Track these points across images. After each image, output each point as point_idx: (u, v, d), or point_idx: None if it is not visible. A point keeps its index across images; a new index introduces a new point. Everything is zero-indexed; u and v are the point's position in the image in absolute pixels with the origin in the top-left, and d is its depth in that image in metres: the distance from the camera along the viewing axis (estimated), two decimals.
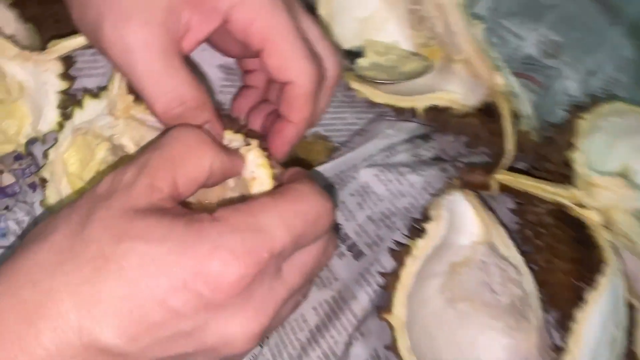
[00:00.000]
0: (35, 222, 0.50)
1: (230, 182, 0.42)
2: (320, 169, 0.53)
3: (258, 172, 0.40)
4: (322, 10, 0.55)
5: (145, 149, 0.36)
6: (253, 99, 0.51)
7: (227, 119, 0.43)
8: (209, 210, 0.34)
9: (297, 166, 0.54)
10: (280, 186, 0.38)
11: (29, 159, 0.51)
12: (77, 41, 0.48)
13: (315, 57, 0.43)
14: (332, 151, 0.57)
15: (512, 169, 0.50)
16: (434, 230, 0.47)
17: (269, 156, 0.41)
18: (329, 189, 0.44)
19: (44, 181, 0.48)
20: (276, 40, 0.41)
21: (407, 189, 0.54)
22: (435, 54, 0.55)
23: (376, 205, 0.54)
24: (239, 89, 0.54)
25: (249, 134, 0.42)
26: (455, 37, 0.51)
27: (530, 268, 0.46)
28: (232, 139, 0.41)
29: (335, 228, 0.53)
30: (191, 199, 0.44)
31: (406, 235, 0.50)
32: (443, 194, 0.49)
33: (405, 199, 0.54)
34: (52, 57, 0.48)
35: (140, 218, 0.32)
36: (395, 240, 0.50)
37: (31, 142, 0.51)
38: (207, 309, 0.31)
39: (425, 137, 0.57)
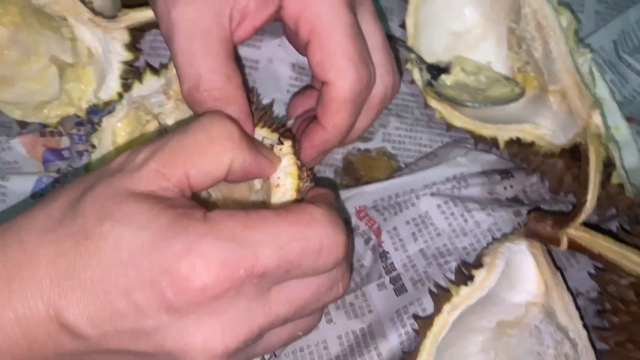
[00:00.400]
0: None
1: (257, 183, 0.39)
2: (375, 187, 0.48)
3: (284, 180, 0.36)
4: (410, 18, 0.51)
5: (173, 132, 0.34)
6: (310, 101, 0.47)
7: (266, 116, 0.40)
8: (228, 208, 0.31)
9: (354, 180, 0.51)
10: (300, 201, 0.34)
11: (89, 127, 0.51)
12: (146, 13, 0.47)
13: (364, 64, 0.38)
14: (396, 171, 0.52)
15: (595, 227, 0.42)
16: (483, 279, 0.40)
17: (302, 166, 0.37)
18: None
19: (92, 147, 0.47)
20: (322, 33, 0.36)
21: (470, 228, 0.48)
22: (529, 81, 0.48)
23: (432, 239, 0.48)
24: (301, 88, 0.50)
25: (285, 134, 0.38)
26: (554, 64, 0.44)
27: (594, 347, 0.38)
28: (265, 136, 0.38)
29: (382, 255, 0.48)
30: (217, 193, 0.42)
31: (450, 280, 0.44)
32: (505, 239, 0.42)
33: (467, 238, 0.48)
34: (121, 25, 0.48)
35: (132, 201, 0.29)
36: (437, 283, 0.44)
37: (94, 111, 0.51)
38: (169, 311, 0.28)
39: (504, 173, 0.50)
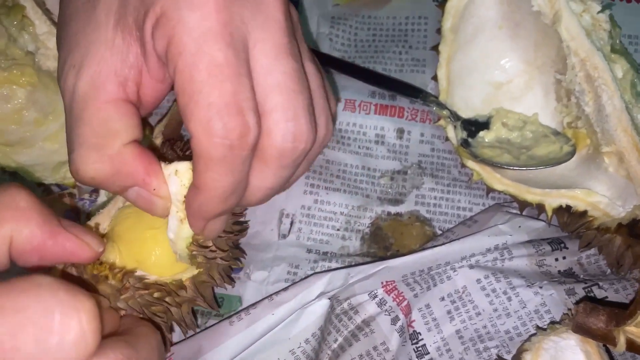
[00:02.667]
0: None
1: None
2: (405, 260, 0.43)
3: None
4: (442, 70, 0.46)
5: None
6: None
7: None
8: None
9: (382, 249, 0.45)
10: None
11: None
12: None
13: (233, 112, 0.30)
14: (430, 239, 0.46)
15: None
16: None
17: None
18: None
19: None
20: (185, 71, 0.30)
21: (515, 308, 0.41)
22: (581, 139, 0.42)
23: (471, 319, 0.42)
24: None
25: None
26: (608, 121, 0.38)
27: None
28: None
29: (413, 337, 0.42)
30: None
31: None
32: (552, 331, 0.35)
33: (510, 320, 0.41)
34: None
35: None
36: None
37: None
38: None
39: (555, 243, 0.44)
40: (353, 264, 0.45)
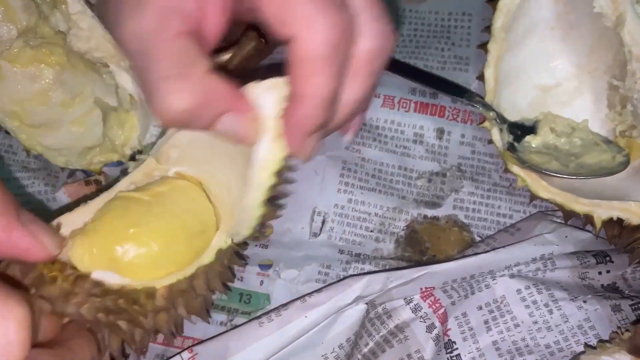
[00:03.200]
0: None
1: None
2: (448, 267, 0.41)
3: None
4: (489, 69, 0.44)
5: None
6: None
7: None
8: None
9: (418, 253, 0.44)
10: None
11: None
12: None
13: (337, 6, 0.29)
14: (469, 245, 0.44)
15: None
16: None
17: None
18: None
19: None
20: None
21: (556, 322, 0.40)
22: (635, 148, 0.40)
23: (509, 330, 0.40)
24: None
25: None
26: None
27: None
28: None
29: (447, 346, 0.41)
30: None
31: None
32: (602, 349, 0.34)
33: (551, 334, 0.39)
34: None
35: None
36: None
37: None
38: None
39: (600, 256, 0.42)
40: (388, 267, 0.43)
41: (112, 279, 0.35)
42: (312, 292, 0.40)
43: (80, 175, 0.49)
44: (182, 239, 0.37)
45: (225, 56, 0.45)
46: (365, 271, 0.43)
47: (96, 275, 0.34)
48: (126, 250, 0.35)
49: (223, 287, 0.40)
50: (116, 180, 0.41)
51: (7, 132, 0.50)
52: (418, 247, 0.44)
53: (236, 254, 0.40)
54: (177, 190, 0.39)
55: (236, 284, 0.44)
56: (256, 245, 0.45)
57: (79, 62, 0.48)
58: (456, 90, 0.46)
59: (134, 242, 0.35)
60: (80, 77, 0.49)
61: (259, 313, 0.43)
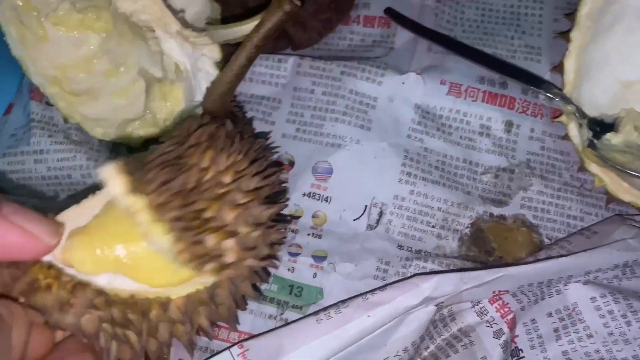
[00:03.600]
0: None
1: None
2: (524, 270, 0.38)
3: None
4: (570, 59, 0.41)
5: None
6: None
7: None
8: None
9: (484, 253, 0.41)
10: None
11: None
12: (242, 28, 0.40)
13: None
14: (538, 247, 0.41)
15: None
16: None
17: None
18: None
19: None
20: None
21: (634, 335, 0.37)
22: None
23: (581, 340, 0.38)
24: None
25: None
26: None
27: None
28: None
29: (514, 353, 0.38)
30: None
31: None
32: None
33: (629, 347, 0.37)
34: (212, 41, 0.40)
35: None
36: None
37: None
38: None
39: None
40: (452, 267, 0.40)
41: (123, 284, 0.30)
42: (374, 290, 0.37)
43: (123, 152, 0.46)
44: None
45: (249, 25, 0.41)
46: (428, 270, 0.40)
47: (102, 279, 0.30)
48: (134, 251, 0.30)
49: (254, 291, 0.35)
50: None
51: (47, 103, 0.47)
52: (484, 247, 0.41)
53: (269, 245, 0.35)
54: None
55: (287, 275, 0.41)
56: (309, 235, 0.42)
57: (126, 30, 0.44)
58: (532, 81, 0.43)
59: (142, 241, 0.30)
60: (125, 45, 0.45)
61: (311, 308, 0.40)
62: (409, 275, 0.40)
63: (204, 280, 0.31)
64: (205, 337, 0.35)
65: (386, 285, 0.38)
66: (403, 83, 0.45)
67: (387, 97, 0.45)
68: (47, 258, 0.30)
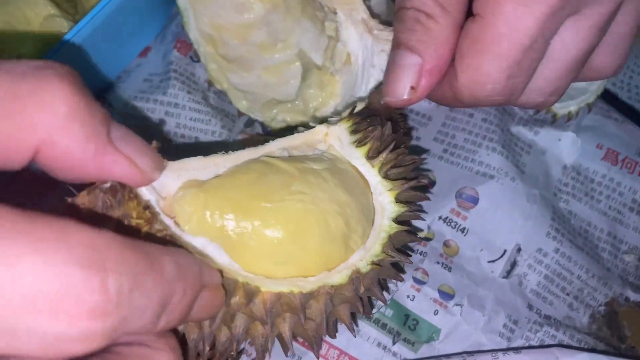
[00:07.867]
0: None
1: None
2: None
3: None
4: None
5: None
6: None
7: None
8: None
9: (616, 339, 0.38)
10: None
11: None
12: None
13: None
14: None
15: None
16: None
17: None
18: None
19: None
20: None
21: None
22: None
23: None
24: None
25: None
26: None
27: None
28: None
29: None
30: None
31: None
32: None
33: None
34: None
35: None
36: None
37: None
38: None
39: None
40: (584, 344, 0.38)
41: (217, 255, 0.27)
42: (506, 350, 0.35)
43: (258, 128, 0.43)
44: (315, 236, 0.29)
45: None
46: (557, 341, 0.38)
47: (196, 242, 0.27)
48: (244, 226, 0.28)
49: (350, 320, 0.32)
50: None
51: (191, 59, 0.45)
52: (617, 332, 0.39)
53: (393, 265, 0.32)
54: (334, 173, 0.30)
55: (406, 303, 0.38)
56: (437, 263, 0.39)
57: (296, 5, 0.42)
58: None
59: (257, 218, 0.28)
60: (290, 22, 0.43)
61: (423, 347, 0.37)
62: (536, 340, 0.38)
63: (299, 284, 0.28)
64: (282, 349, 0.32)
65: (522, 348, 0.35)
66: (559, 140, 0.43)
67: (540, 148, 0.42)
68: (147, 196, 0.27)
